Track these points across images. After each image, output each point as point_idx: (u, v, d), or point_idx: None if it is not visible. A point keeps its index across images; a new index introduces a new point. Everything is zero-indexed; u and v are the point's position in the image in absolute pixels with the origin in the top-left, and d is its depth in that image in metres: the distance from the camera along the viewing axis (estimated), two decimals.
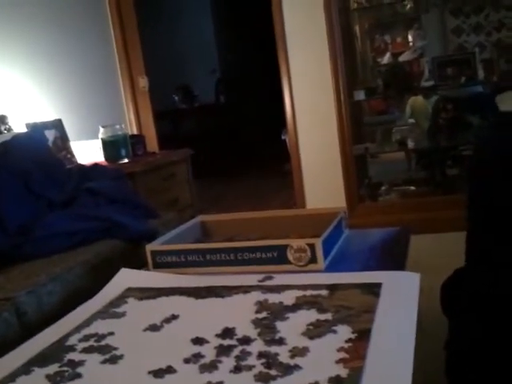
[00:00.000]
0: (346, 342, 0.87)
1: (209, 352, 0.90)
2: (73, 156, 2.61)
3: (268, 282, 1.19)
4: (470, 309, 1.22)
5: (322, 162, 3.54)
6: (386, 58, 3.77)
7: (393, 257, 1.29)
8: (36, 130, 2.11)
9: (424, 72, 3.28)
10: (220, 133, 6.54)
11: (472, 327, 1.18)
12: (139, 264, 1.42)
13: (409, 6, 3.82)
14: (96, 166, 2.00)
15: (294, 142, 3.68)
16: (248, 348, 0.89)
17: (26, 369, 0.92)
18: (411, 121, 3.77)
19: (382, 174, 3.81)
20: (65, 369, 0.91)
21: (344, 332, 0.91)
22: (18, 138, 1.77)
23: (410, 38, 3.91)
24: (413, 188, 3.44)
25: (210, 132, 6.48)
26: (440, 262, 1.33)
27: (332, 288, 1.10)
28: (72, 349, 0.98)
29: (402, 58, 3.60)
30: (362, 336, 0.88)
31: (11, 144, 1.69)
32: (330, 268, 1.24)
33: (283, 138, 3.97)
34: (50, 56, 3.32)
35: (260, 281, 1.20)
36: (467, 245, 1.29)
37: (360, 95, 3.23)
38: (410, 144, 3.25)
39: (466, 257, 1.29)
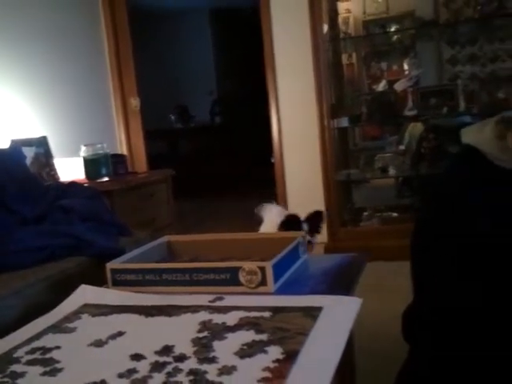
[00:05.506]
0: (274, 362, 0.91)
1: (144, 368, 0.94)
2: (55, 173, 2.66)
3: (218, 303, 1.24)
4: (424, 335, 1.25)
5: (306, 186, 3.60)
6: (381, 86, 3.82)
7: (343, 282, 1.33)
8: (14, 147, 2.17)
9: (408, 101, 3.34)
10: (214, 153, 6.62)
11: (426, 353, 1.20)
12: (103, 281, 1.46)
13: (399, 36, 3.90)
14: (73, 183, 2.05)
15: (279, 166, 3.75)
16: (181, 365, 0.93)
17: None
18: (402, 147, 3.83)
19: (367, 199, 3.85)
20: (5, 380, 0.95)
21: (274, 352, 0.95)
22: None
23: (405, 66, 3.98)
24: (395, 214, 3.48)
25: (204, 152, 6.57)
26: None
27: (275, 310, 1.14)
28: (17, 360, 1.02)
29: (396, 86, 3.64)
30: (290, 357, 0.92)
31: None
32: (281, 291, 1.28)
33: (272, 161, 4.03)
34: (42, 74, 3.39)
35: (211, 301, 1.25)
36: (413, 274, 1.33)
37: (344, 122, 3.29)
38: (392, 171, 3.30)
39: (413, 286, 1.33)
